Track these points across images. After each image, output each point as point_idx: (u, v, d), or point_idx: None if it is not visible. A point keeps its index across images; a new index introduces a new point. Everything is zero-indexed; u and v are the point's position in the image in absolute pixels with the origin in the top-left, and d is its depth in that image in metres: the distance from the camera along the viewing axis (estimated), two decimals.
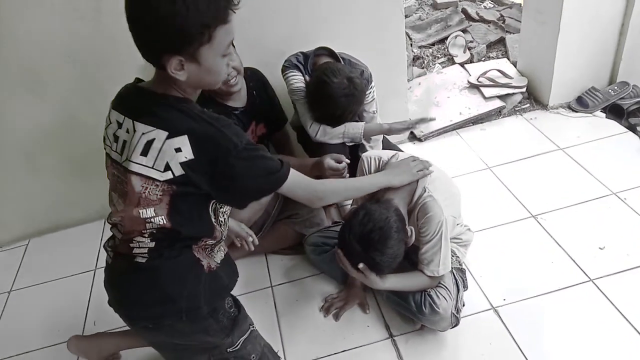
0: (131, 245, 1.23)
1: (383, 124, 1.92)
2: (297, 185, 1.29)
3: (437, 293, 1.60)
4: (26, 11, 1.93)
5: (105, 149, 1.27)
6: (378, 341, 1.73)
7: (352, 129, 1.92)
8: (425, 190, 1.55)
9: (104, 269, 1.36)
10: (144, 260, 1.23)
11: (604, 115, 2.55)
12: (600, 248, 1.90)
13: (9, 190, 2.35)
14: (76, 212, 2.48)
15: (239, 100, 1.95)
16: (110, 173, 1.28)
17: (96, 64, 2.09)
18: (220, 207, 1.32)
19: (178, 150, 1.12)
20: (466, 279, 1.76)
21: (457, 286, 1.66)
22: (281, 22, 2.14)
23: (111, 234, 1.34)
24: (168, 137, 1.12)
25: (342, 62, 1.93)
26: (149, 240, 1.22)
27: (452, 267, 1.69)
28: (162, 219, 1.19)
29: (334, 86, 1.75)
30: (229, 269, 1.40)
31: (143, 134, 1.15)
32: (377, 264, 1.46)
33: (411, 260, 1.61)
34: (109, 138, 1.25)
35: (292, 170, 1.26)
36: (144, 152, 1.15)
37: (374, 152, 1.74)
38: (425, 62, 3.08)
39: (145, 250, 1.22)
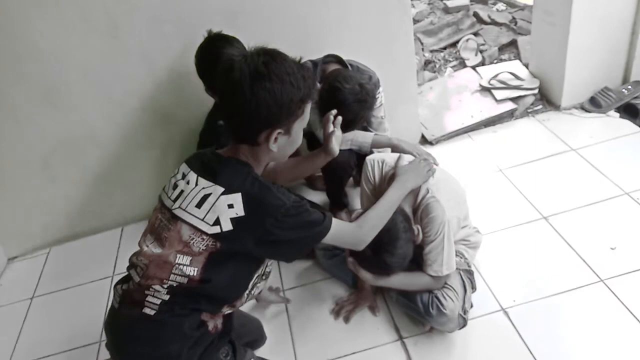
0: (146, 292, 1.27)
1: (392, 138, 1.93)
2: (340, 233, 1.36)
3: (444, 294, 1.61)
4: (46, 28, 2.01)
5: (160, 195, 1.35)
6: (387, 343, 1.74)
7: (360, 138, 1.93)
8: (428, 192, 1.57)
9: (108, 310, 1.39)
10: (152, 313, 1.26)
11: (617, 115, 2.53)
12: (611, 248, 1.88)
13: (30, 200, 2.43)
14: (95, 221, 2.55)
15: None
16: (155, 216, 1.34)
17: (112, 78, 2.16)
18: (257, 282, 1.40)
19: (230, 206, 1.21)
20: (474, 280, 1.76)
21: (465, 287, 1.67)
22: (290, 31, 2.18)
23: (126, 274, 1.37)
24: (223, 193, 1.22)
25: (350, 69, 1.96)
26: (165, 292, 1.26)
27: (460, 269, 1.70)
28: (194, 270, 1.23)
29: (346, 92, 1.77)
30: (229, 323, 1.44)
31: (203, 188, 1.25)
32: (388, 265, 1.50)
33: (416, 261, 1.63)
34: (169, 185, 1.34)
35: (334, 220, 1.33)
36: (199, 205, 1.23)
37: (377, 156, 1.77)
38: (437, 66, 3.10)
39: (158, 302, 1.26)
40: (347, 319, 1.84)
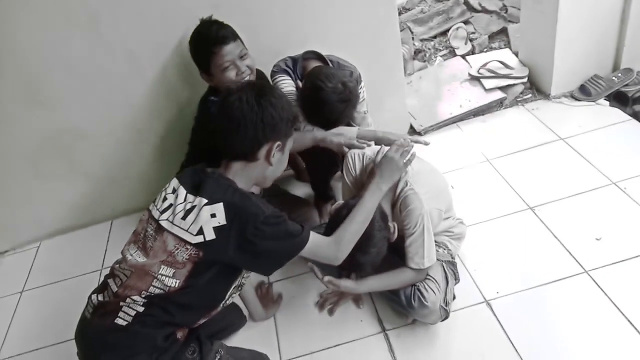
0: (121, 303, 1.30)
1: (377, 130, 1.90)
2: (317, 247, 1.40)
3: (426, 286, 1.61)
4: (26, 24, 1.98)
5: (149, 206, 1.41)
6: (371, 335, 1.75)
7: (345, 133, 1.90)
8: (407, 184, 1.56)
9: (79, 319, 1.40)
10: (124, 323, 1.29)
11: (607, 103, 2.50)
12: (597, 239, 1.87)
13: (19, 195, 2.42)
14: (84, 215, 2.55)
15: None
16: (141, 227, 1.39)
17: (95, 73, 2.14)
18: (234, 292, 1.44)
19: (213, 215, 1.27)
20: (457, 272, 1.75)
21: (447, 279, 1.66)
22: (275, 23, 2.16)
23: (102, 283, 1.40)
24: (206, 204, 1.29)
25: (331, 65, 1.93)
26: (141, 304, 1.29)
27: (442, 260, 1.70)
28: (176, 282, 1.28)
29: (329, 91, 1.74)
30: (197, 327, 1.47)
31: (189, 202, 1.32)
32: (361, 264, 1.51)
33: (400, 254, 1.62)
34: (159, 197, 1.41)
35: (312, 233, 1.38)
36: (184, 216, 1.31)
37: (358, 150, 1.75)
38: (427, 55, 3.07)
39: (132, 313, 1.29)
40: (331, 312, 1.84)
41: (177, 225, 1.30)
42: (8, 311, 2.21)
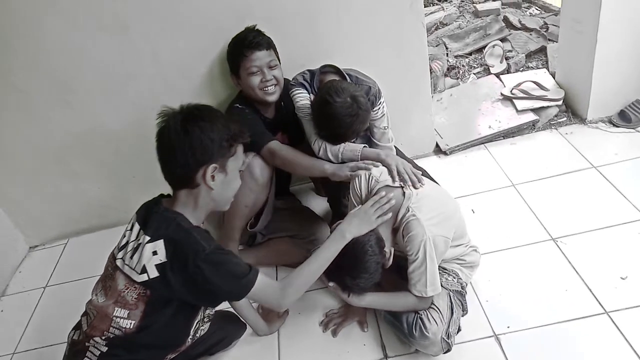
0: (87, 344, 1.33)
1: (381, 152, 1.84)
2: (263, 292, 1.37)
3: (429, 316, 1.56)
4: (58, 28, 2.07)
5: (116, 245, 1.43)
6: None
7: (349, 150, 1.86)
8: (408, 210, 1.51)
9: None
10: None
11: None
12: (622, 278, 1.76)
13: (49, 193, 2.52)
14: (110, 215, 2.62)
15: (270, 110, 2.04)
16: (106, 265, 1.42)
17: (122, 76, 2.20)
18: (199, 327, 1.44)
19: (155, 253, 1.27)
20: (465, 303, 1.69)
21: (452, 310, 1.60)
22: (301, 37, 2.16)
23: (79, 321, 1.44)
24: (149, 242, 1.29)
25: (349, 79, 1.90)
26: (103, 344, 1.31)
27: (449, 289, 1.64)
28: (131, 323, 1.29)
29: (337, 106, 1.72)
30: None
31: (137, 239, 1.32)
32: (348, 287, 1.49)
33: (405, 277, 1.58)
34: (122, 234, 1.41)
35: (260, 275, 1.35)
36: (132, 255, 1.31)
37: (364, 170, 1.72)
38: (460, 72, 2.99)
39: (97, 353, 1.32)
40: (334, 332, 1.81)
41: (127, 265, 1.30)
42: (30, 305, 2.30)
